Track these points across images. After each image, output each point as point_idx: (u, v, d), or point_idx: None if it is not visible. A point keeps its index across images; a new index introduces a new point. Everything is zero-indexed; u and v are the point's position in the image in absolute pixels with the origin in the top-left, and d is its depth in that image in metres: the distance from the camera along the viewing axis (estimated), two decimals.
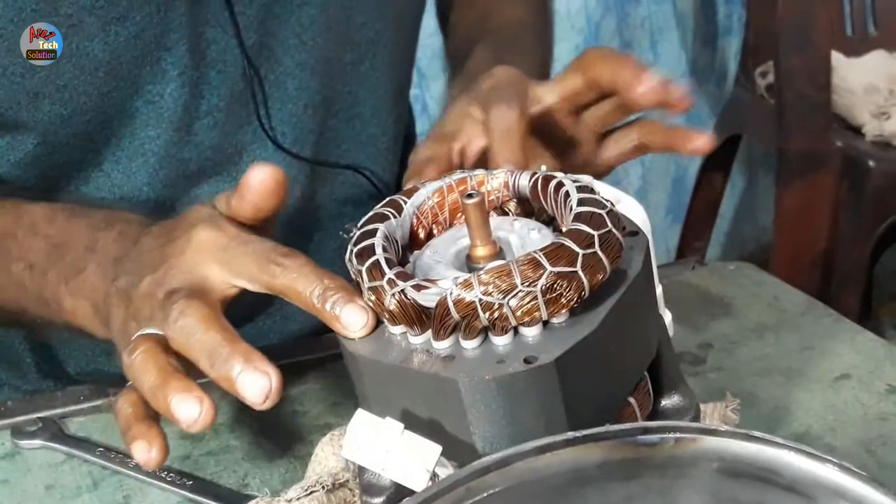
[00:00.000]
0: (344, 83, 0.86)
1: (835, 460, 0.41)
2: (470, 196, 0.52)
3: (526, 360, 0.49)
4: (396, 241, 0.56)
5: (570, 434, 0.43)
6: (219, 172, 0.83)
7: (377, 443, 0.49)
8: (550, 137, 0.74)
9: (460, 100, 0.75)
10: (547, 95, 0.73)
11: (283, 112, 0.83)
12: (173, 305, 0.57)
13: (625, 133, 0.76)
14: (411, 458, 0.49)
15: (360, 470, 0.54)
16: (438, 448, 0.49)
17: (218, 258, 0.59)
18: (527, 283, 0.49)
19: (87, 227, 0.68)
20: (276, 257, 0.58)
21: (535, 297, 0.49)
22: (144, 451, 0.56)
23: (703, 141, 0.71)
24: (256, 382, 0.54)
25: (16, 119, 0.75)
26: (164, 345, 0.57)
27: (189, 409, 0.54)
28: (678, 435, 0.43)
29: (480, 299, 0.49)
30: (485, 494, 0.43)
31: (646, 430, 0.44)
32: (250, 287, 0.59)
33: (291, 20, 0.81)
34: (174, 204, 0.82)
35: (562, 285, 0.49)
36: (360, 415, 0.50)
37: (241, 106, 0.81)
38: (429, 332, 0.51)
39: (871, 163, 1.82)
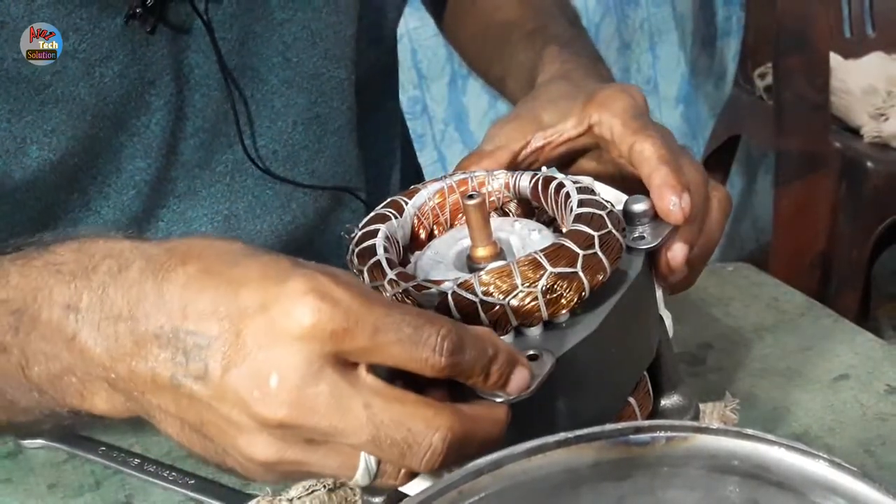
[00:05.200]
0: (341, 99, 0.85)
1: (825, 456, 0.42)
2: (471, 197, 0.52)
3: None
4: (397, 242, 0.57)
5: (562, 435, 0.44)
6: (213, 194, 0.82)
7: None
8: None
9: (562, 96, 0.68)
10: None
11: (272, 130, 0.82)
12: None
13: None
14: None
15: None
16: None
17: (339, 348, 0.45)
18: (527, 284, 0.49)
19: (54, 274, 0.50)
20: (430, 337, 0.45)
21: (536, 298, 0.49)
22: None
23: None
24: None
25: (3, 167, 0.72)
26: None
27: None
28: (670, 434, 0.44)
29: (481, 300, 0.49)
30: (478, 497, 0.43)
31: (637, 430, 0.44)
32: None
33: (274, 38, 0.80)
34: (169, 226, 0.81)
35: (562, 286, 0.49)
36: None
37: (228, 126, 0.80)
38: None
39: (869, 164, 1.82)
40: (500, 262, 0.51)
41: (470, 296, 0.49)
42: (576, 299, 0.50)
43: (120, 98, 0.74)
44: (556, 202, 0.56)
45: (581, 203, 0.53)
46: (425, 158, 2.05)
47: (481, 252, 0.53)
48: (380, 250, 0.53)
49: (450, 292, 0.50)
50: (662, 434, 0.44)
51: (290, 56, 0.80)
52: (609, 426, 0.44)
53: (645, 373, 0.57)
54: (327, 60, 0.82)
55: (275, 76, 0.80)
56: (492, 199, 0.60)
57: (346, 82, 0.85)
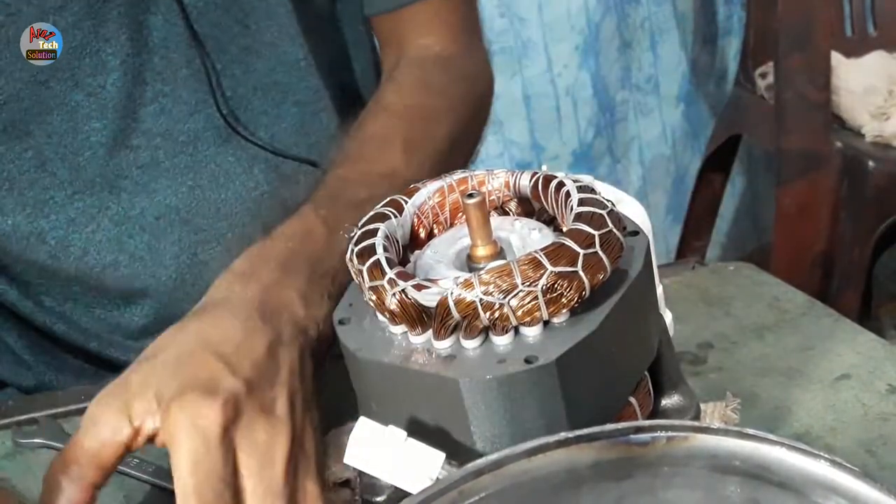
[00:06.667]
0: (300, 76, 0.86)
1: (826, 456, 0.41)
2: (471, 196, 0.52)
3: (526, 360, 0.49)
4: (397, 241, 0.56)
5: (563, 435, 0.43)
6: (176, 165, 0.83)
7: (381, 451, 0.49)
8: None
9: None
10: None
11: (234, 98, 0.84)
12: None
13: None
14: (415, 466, 0.49)
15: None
16: (442, 455, 0.49)
17: None
18: (527, 283, 0.49)
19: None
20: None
21: (536, 297, 0.49)
22: None
23: None
24: None
25: None
26: None
27: None
28: (670, 434, 0.44)
29: (481, 299, 0.49)
30: (478, 497, 0.43)
31: (638, 430, 0.44)
32: None
33: (234, 8, 0.82)
34: (132, 197, 0.82)
35: (562, 285, 0.49)
36: (364, 423, 0.50)
37: (189, 93, 0.82)
38: (429, 332, 0.51)
39: (870, 163, 1.82)
40: (501, 262, 0.51)
41: (470, 295, 0.49)
42: (576, 299, 0.49)
43: (73, 50, 0.76)
44: (557, 201, 0.56)
45: (581, 202, 0.53)
46: None
47: (481, 251, 0.53)
48: (379, 249, 0.53)
49: (450, 291, 0.49)
50: (663, 434, 0.44)
51: (248, 24, 0.82)
52: (609, 426, 0.44)
53: (645, 372, 0.57)
54: (283, 35, 0.84)
55: (234, 45, 0.82)
56: (492, 198, 0.59)
57: (304, 62, 0.86)
